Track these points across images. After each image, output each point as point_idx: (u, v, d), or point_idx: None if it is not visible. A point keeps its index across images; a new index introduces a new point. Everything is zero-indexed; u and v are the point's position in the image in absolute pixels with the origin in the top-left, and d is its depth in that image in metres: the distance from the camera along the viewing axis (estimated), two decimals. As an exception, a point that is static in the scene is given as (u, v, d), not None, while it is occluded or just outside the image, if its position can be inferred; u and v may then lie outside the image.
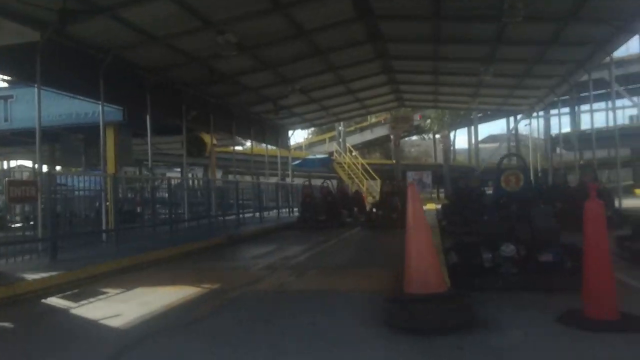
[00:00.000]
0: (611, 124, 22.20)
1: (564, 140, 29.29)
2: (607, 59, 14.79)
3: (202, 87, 14.95)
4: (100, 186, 10.46)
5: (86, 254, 7.84)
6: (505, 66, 15.22)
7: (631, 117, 36.52)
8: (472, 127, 47.47)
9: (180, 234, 11.43)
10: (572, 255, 5.15)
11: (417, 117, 26.12)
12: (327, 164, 29.21)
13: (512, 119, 40.96)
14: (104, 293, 5.84)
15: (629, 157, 38.50)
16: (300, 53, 13.47)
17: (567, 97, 20.20)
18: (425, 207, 19.10)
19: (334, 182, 22.91)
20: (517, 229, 5.33)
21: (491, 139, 51.33)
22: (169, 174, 23.28)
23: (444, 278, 4.25)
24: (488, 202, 10.89)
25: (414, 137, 51.83)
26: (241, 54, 12.03)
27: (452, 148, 36.66)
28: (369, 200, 24.14)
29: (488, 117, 41.92)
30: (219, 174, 28.72)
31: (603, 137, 26.74)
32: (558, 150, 41.17)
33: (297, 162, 25.91)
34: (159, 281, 6.49)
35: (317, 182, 19.83)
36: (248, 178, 23.00)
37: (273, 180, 22.82)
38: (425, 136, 56.07)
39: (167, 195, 12.36)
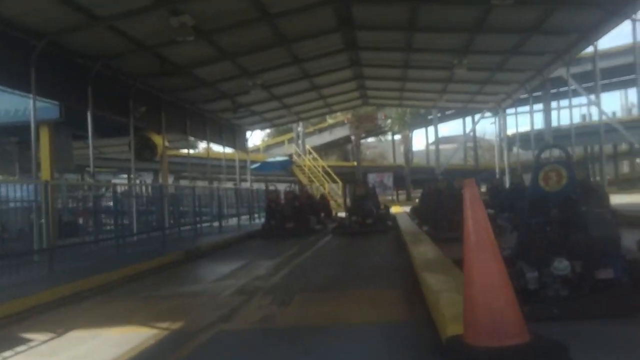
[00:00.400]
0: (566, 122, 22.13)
1: (521, 139, 29.32)
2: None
3: (152, 80, 13.29)
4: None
5: (13, 281, 6.19)
6: (480, 58, 14.39)
7: (583, 116, 37.11)
8: (430, 128, 47.55)
9: (129, 249, 9.78)
10: (633, 270, 4.10)
11: (381, 116, 25.21)
12: (288, 166, 27.84)
13: (469, 119, 41.45)
14: (24, 342, 4.29)
15: (583, 155, 39.36)
16: (263, 41, 12.09)
17: (539, 93, 19.76)
18: (394, 210, 18.11)
19: (295, 186, 21.62)
20: (571, 239, 4.18)
21: (444, 140, 51.18)
22: (115, 182, 21.23)
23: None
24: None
25: (370, 139, 51.14)
26: (197, 40, 10.55)
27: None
28: (332, 205, 23.00)
29: (446, 117, 41.84)
30: (170, 180, 26.86)
31: (560, 135, 26.78)
32: (515, 149, 41.48)
33: (255, 165, 24.41)
34: (104, 318, 4.98)
35: (276, 188, 18.45)
36: (201, 184, 21.38)
37: (230, 185, 21.27)
38: (382, 138, 55.73)
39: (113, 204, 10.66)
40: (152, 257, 8.56)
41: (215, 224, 14.80)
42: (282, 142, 36.68)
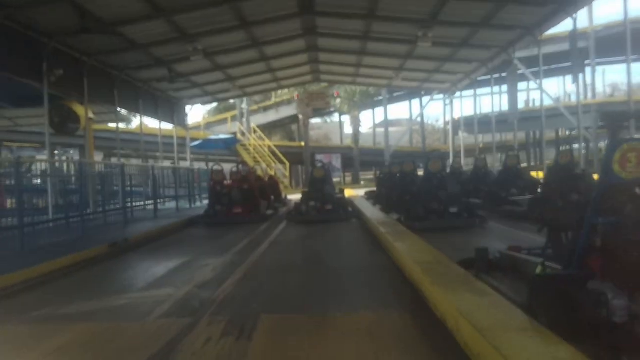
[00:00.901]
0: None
1: (466, 123, 28.90)
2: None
3: (72, 40, 11.18)
4: None
5: None
6: (447, 31, 13.23)
7: (525, 102, 37.35)
8: (377, 109, 46.65)
9: (41, 239, 7.86)
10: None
11: (334, 93, 23.76)
12: (232, 145, 25.90)
13: (416, 102, 40.84)
14: None
15: (524, 140, 39.77)
16: (207, -4, 10.31)
17: (497, 75, 18.98)
18: (346, 194, 16.87)
19: (243, 166, 19.83)
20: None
21: (390, 123, 50.36)
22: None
23: None
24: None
25: (315, 120, 49.46)
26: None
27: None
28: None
29: (394, 99, 40.98)
30: (99, 157, 24.34)
31: (501, 120, 26.52)
32: (460, 134, 41.35)
33: (196, 143, 22.37)
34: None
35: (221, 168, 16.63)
36: (136, 162, 19.21)
37: (168, 164, 19.22)
38: (328, 119, 54.40)
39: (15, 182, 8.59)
40: (64, 252, 6.74)
41: (151, 207, 12.92)
42: (225, 120, 34.50)
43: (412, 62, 16.74)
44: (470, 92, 31.25)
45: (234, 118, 33.21)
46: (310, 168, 30.35)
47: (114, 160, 28.19)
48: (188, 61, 14.14)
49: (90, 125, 16.28)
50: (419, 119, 41.16)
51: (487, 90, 29.64)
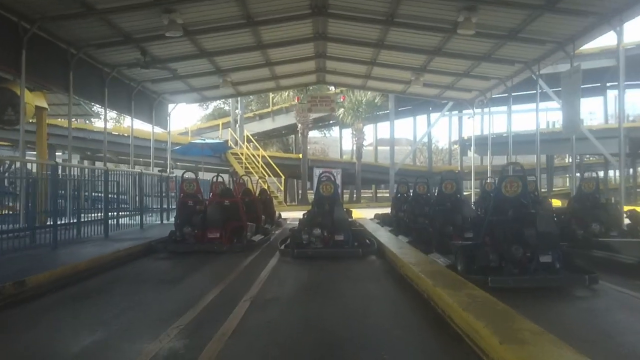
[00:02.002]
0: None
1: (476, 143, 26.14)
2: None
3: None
4: None
5: None
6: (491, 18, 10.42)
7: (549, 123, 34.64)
8: (379, 124, 43.70)
9: None
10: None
11: (340, 98, 20.85)
12: (221, 151, 22.81)
13: (420, 120, 37.92)
14: None
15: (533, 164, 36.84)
16: None
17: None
18: (356, 216, 13.91)
19: (225, 177, 16.77)
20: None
21: (385, 142, 47.21)
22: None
23: None
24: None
25: (312, 134, 46.00)
26: None
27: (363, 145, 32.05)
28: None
29: (400, 113, 38.10)
30: (74, 160, 21.31)
31: (521, 141, 23.63)
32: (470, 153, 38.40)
33: (178, 148, 19.27)
34: None
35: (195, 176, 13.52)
36: (111, 165, 16.15)
37: (143, 170, 16.14)
38: (327, 132, 51.34)
39: None
40: None
41: (106, 224, 9.78)
42: (217, 127, 31.54)
43: (439, 60, 13.87)
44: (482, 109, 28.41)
45: (227, 125, 30.29)
46: (309, 182, 27.42)
47: (87, 163, 25.06)
48: (165, 41, 11.26)
49: (43, 117, 13.32)
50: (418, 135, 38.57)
51: (500, 108, 27.05)
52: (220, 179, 11.91)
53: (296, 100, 21.45)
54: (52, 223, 7.99)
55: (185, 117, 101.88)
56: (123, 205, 11.92)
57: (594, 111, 42.30)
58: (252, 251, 8.37)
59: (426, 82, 15.88)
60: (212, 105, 42.91)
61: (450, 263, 5.97)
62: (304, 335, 3.88)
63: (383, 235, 9.16)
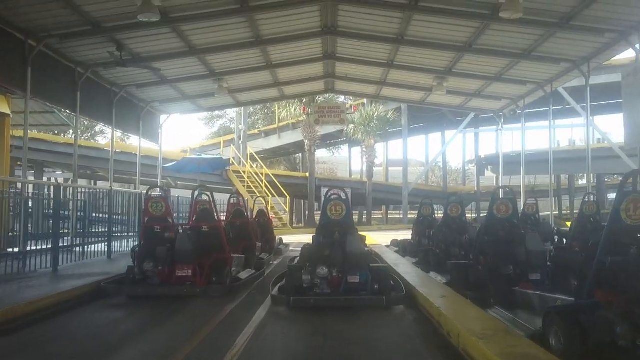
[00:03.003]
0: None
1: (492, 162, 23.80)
2: None
3: None
4: None
5: None
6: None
7: (571, 141, 32.42)
8: (391, 142, 41.64)
9: None
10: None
11: (351, 108, 18.85)
12: (220, 168, 20.75)
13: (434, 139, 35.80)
14: None
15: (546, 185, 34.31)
16: None
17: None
18: (369, 242, 11.75)
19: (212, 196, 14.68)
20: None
21: (394, 162, 44.98)
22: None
23: None
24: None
25: (320, 152, 43.63)
26: None
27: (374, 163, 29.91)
28: (276, 223, 16.33)
29: (412, 130, 35.94)
30: (31, 177, 19.44)
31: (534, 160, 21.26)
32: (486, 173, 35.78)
33: (170, 164, 17.27)
34: None
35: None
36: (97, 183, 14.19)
37: (132, 188, 14.16)
38: (335, 151, 49.15)
39: None
40: None
41: (60, 253, 7.71)
42: (219, 144, 29.63)
43: (468, 59, 11.85)
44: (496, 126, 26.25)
45: (229, 142, 28.36)
46: (316, 202, 25.24)
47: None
48: (144, 31, 9.37)
49: (6, 125, 11.40)
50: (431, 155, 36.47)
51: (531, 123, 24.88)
52: (235, 200, 10.14)
53: (303, 111, 19.41)
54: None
55: (191, 135, 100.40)
56: (91, 230, 9.91)
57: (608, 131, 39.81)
58: (236, 295, 6.22)
59: (450, 88, 13.85)
60: (218, 123, 41.22)
61: (535, 331, 3.80)
62: None
63: (410, 273, 6.99)
